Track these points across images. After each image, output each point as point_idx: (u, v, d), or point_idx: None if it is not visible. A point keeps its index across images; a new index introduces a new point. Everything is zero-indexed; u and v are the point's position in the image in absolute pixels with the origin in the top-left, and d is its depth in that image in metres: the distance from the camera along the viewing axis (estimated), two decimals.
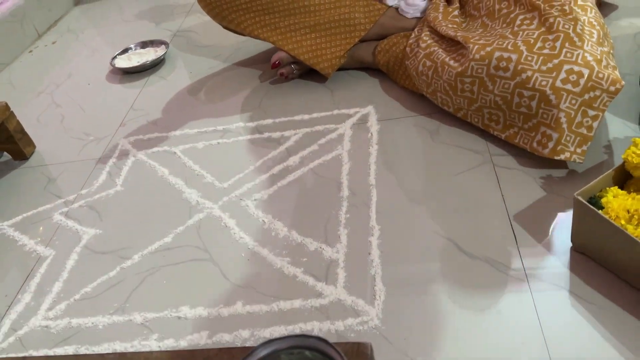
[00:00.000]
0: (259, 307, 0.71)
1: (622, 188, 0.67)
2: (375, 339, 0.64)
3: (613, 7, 1.13)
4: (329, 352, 0.44)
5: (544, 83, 0.76)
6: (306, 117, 1.05)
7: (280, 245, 0.80)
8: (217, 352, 0.58)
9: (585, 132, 0.76)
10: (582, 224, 0.65)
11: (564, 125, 0.76)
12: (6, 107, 1.08)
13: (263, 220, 0.84)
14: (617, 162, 0.68)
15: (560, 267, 0.67)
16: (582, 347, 0.58)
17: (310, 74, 1.17)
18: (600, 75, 0.74)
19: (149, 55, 1.39)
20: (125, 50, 1.43)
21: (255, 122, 1.08)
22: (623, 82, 0.74)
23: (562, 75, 0.75)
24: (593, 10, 0.81)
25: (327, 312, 0.69)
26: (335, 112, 1.04)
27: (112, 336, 0.73)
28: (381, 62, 1.08)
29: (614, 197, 0.63)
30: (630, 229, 0.60)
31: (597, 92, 0.74)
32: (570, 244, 0.69)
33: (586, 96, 0.75)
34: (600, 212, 0.62)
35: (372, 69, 1.12)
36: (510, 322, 0.62)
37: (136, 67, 1.35)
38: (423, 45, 0.95)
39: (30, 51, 1.66)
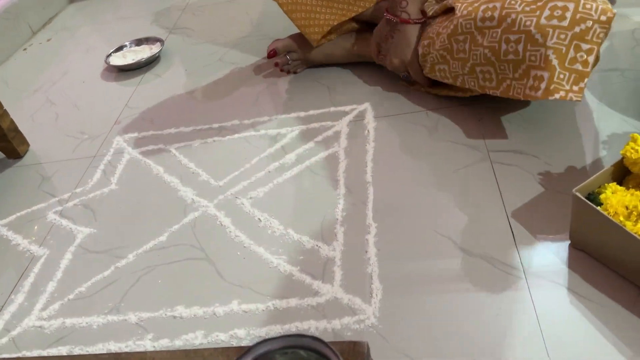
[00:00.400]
0: (255, 306, 0.71)
1: (620, 184, 0.67)
2: (372, 338, 0.63)
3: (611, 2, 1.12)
4: (324, 351, 0.43)
5: (528, 23, 0.74)
6: (302, 114, 1.04)
7: (277, 244, 0.79)
8: (212, 351, 0.58)
9: (580, 67, 0.73)
10: (580, 221, 0.65)
11: (554, 62, 0.73)
12: None
13: (259, 219, 0.84)
14: (616, 158, 0.67)
15: (558, 264, 0.66)
16: (581, 344, 0.58)
17: (305, 71, 1.16)
18: (588, 6, 0.72)
19: (144, 52, 1.38)
20: (120, 48, 1.42)
21: (251, 119, 1.07)
22: (615, 11, 0.72)
23: (546, 12, 0.73)
24: None
25: (323, 310, 0.68)
26: (332, 109, 1.04)
27: (106, 336, 0.72)
28: (375, 53, 1.05)
29: (612, 193, 0.63)
30: (629, 225, 0.59)
31: (589, 24, 0.72)
32: (568, 241, 0.68)
33: (577, 29, 0.72)
34: (598, 208, 0.61)
35: (368, 64, 1.11)
36: (508, 320, 0.62)
37: (131, 64, 1.34)
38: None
39: (25, 49, 1.65)
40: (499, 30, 0.78)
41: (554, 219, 0.72)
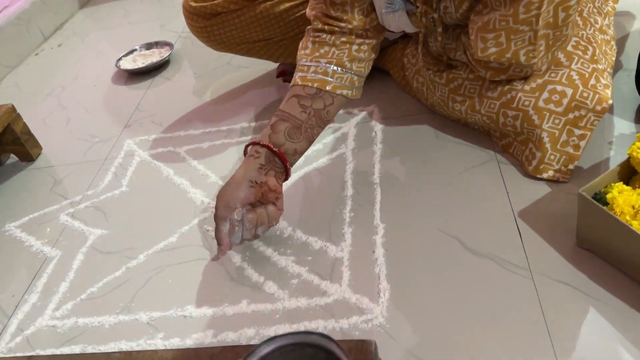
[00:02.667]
0: (263, 305, 0.72)
1: (627, 184, 0.67)
2: (380, 337, 0.64)
3: None
4: (332, 349, 0.44)
5: (527, 103, 0.76)
6: None
7: (285, 245, 0.80)
8: (222, 350, 0.59)
9: (571, 151, 0.75)
10: (586, 220, 0.65)
11: (547, 145, 0.76)
12: (12, 109, 1.09)
13: None
14: (623, 158, 0.67)
15: (564, 263, 0.67)
16: (587, 343, 0.58)
17: None
18: (585, 94, 0.73)
19: (154, 56, 1.40)
20: (130, 52, 1.44)
21: (259, 121, 1.08)
22: (610, 101, 0.73)
23: (545, 95, 0.75)
24: (598, 24, 0.80)
25: (331, 310, 0.69)
26: (340, 111, 1.04)
27: (118, 335, 0.73)
28: (386, 66, 1.07)
29: (619, 193, 0.63)
30: (636, 225, 0.59)
31: (582, 112, 0.73)
32: (574, 241, 0.68)
33: (570, 115, 0.74)
34: (605, 208, 0.61)
35: (374, 68, 1.12)
36: (515, 319, 0.62)
37: (141, 68, 1.36)
38: (413, 60, 0.96)
39: (37, 54, 1.67)
40: (497, 102, 0.80)
41: (560, 219, 0.72)
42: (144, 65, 1.36)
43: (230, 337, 0.69)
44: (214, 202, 0.90)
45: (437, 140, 0.91)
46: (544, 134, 0.75)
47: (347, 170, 0.90)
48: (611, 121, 0.85)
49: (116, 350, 0.71)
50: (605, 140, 0.82)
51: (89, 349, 0.72)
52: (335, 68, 0.79)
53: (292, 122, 0.77)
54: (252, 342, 0.67)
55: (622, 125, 0.84)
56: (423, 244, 0.74)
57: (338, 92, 0.80)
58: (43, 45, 1.73)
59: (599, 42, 0.80)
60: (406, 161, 0.89)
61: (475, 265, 0.69)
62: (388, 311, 0.67)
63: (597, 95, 0.73)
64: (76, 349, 0.73)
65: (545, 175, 0.77)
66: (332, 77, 0.79)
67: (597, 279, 0.64)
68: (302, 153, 0.79)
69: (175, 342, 0.70)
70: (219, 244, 0.73)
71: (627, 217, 0.60)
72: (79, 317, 0.77)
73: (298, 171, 0.93)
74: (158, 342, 0.71)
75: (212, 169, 0.99)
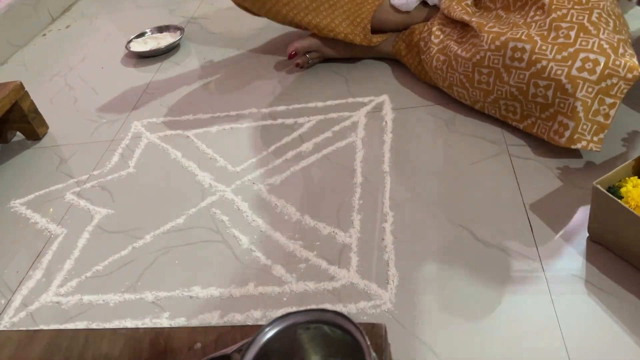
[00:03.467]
0: (271, 288, 0.71)
1: None
2: (388, 323, 0.63)
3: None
4: (347, 327, 0.43)
5: (559, 72, 0.76)
6: (320, 104, 1.05)
7: (293, 229, 0.79)
8: (230, 329, 0.58)
9: (602, 120, 0.76)
10: (600, 214, 0.65)
11: (581, 114, 0.75)
12: (21, 86, 1.08)
13: (275, 204, 0.84)
14: (636, 155, 0.67)
15: (576, 256, 0.66)
16: (598, 337, 0.58)
17: (323, 62, 1.16)
18: (617, 62, 0.74)
19: (165, 40, 1.39)
20: (141, 34, 1.43)
21: (268, 108, 1.07)
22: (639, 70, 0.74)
23: (578, 63, 0.74)
24: (609, 1, 0.81)
25: (339, 295, 0.68)
26: (350, 100, 1.04)
27: (123, 313, 0.73)
28: (399, 54, 1.07)
29: (633, 187, 0.63)
30: None
31: (614, 80, 0.74)
32: (587, 234, 0.68)
33: (603, 84, 0.74)
34: (620, 201, 0.61)
35: (389, 58, 1.12)
36: (525, 311, 0.62)
37: (151, 51, 1.35)
38: (435, 40, 0.95)
39: (44, 35, 1.66)
40: (527, 73, 0.79)
41: (572, 213, 0.72)
42: (154, 48, 1.35)
43: (237, 318, 0.68)
44: (222, 186, 0.90)
45: (448, 132, 0.91)
46: (578, 103, 0.75)
47: (357, 158, 0.90)
48: (624, 118, 0.85)
49: (121, 327, 0.71)
50: (619, 136, 0.82)
51: (93, 326, 0.72)
52: None
53: None
54: (259, 323, 0.66)
55: (635, 123, 0.84)
56: (433, 234, 0.74)
57: None
58: (50, 26, 1.72)
59: (617, 14, 0.80)
60: (417, 151, 0.88)
61: (485, 256, 0.69)
62: (397, 297, 0.66)
63: (627, 64, 0.73)
64: (80, 326, 0.72)
65: (579, 145, 0.76)
66: None
67: (609, 273, 0.63)
68: None
69: (181, 322, 0.70)
70: None
71: None
72: (84, 294, 0.77)
73: (307, 158, 0.92)
74: (164, 322, 0.70)
75: (221, 153, 0.98)
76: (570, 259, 0.66)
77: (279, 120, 1.03)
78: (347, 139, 0.94)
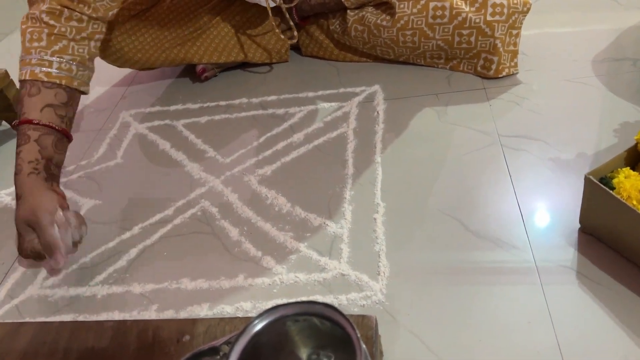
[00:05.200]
0: (260, 280, 0.70)
1: (633, 170, 0.66)
2: (379, 314, 0.63)
3: None
4: (337, 319, 0.42)
5: (477, 20, 0.92)
6: (311, 94, 1.04)
7: (283, 220, 0.78)
8: (219, 321, 0.58)
9: (513, 48, 0.95)
10: (592, 205, 0.64)
11: (501, 49, 0.94)
12: (5, 74, 1.06)
13: (266, 195, 0.83)
14: (627, 146, 0.67)
15: (567, 247, 0.66)
16: (589, 328, 0.58)
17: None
18: (514, 2, 0.92)
19: None
20: None
21: (259, 98, 1.06)
22: (531, 2, 0.93)
23: (490, 9, 0.92)
24: None
25: (330, 286, 0.68)
26: (341, 90, 1.03)
27: (110, 306, 0.72)
28: (304, 45, 1.14)
29: (625, 177, 0.62)
30: None
31: (516, 15, 0.93)
32: (578, 225, 0.68)
33: (510, 21, 0.92)
34: (612, 192, 0.61)
35: None
36: (516, 302, 0.62)
37: None
38: (351, 13, 1.03)
39: None
40: (450, 26, 0.94)
41: (563, 204, 0.71)
42: None
43: (226, 310, 0.67)
44: (211, 177, 0.89)
45: (440, 123, 0.90)
46: (497, 41, 0.93)
47: (348, 149, 0.89)
48: (615, 110, 0.85)
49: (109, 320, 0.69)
50: (609, 128, 0.81)
51: (80, 319, 0.71)
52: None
53: (55, 135, 0.77)
54: (249, 315, 0.65)
55: (626, 114, 0.83)
56: (424, 225, 0.73)
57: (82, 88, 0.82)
58: None
59: None
60: (408, 142, 0.88)
61: (476, 247, 0.69)
62: (388, 289, 0.66)
63: (522, 0, 0.92)
64: (67, 318, 0.71)
65: (504, 73, 0.95)
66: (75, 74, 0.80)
67: (601, 264, 0.63)
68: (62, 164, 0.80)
69: (169, 314, 0.69)
70: (54, 250, 0.69)
71: (634, 202, 0.60)
72: (70, 286, 0.75)
73: (298, 149, 0.91)
74: (152, 314, 0.69)
75: (210, 143, 0.97)
76: (562, 250, 0.66)
77: (270, 111, 1.02)
78: (339, 130, 0.93)
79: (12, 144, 1.08)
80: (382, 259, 0.70)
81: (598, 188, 0.62)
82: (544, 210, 0.71)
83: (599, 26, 1.05)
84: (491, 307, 0.62)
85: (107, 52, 1.01)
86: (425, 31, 0.95)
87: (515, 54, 0.95)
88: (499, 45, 0.93)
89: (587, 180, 0.63)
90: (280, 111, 1.01)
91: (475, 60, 0.96)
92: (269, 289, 0.69)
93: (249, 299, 0.68)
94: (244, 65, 1.17)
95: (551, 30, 1.07)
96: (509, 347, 0.58)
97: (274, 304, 0.66)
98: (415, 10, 0.95)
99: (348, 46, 1.08)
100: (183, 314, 0.68)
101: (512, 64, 0.96)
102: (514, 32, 0.94)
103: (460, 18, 0.92)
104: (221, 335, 0.55)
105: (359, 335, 0.40)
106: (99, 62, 1.31)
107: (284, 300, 0.67)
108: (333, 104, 1.00)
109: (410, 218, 0.75)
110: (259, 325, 0.44)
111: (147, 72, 1.23)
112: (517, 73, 0.95)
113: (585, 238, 0.67)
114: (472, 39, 0.94)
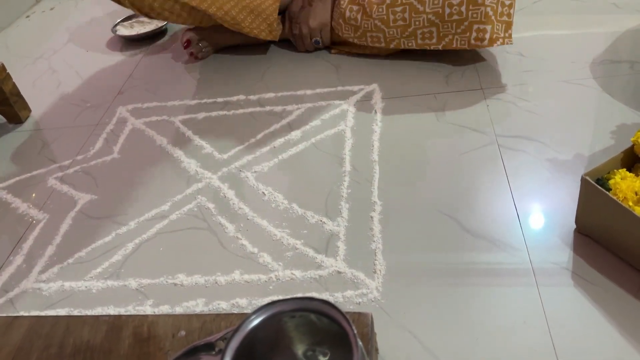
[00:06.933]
0: (257, 276, 0.70)
1: (629, 171, 0.67)
2: (375, 312, 0.63)
3: None
4: (334, 315, 0.42)
5: None
6: (309, 92, 1.04)
7: (280, 217, 0.78)
8: (215, 317, 0.57)
9: (507, 19, 0.93)
10: (588, 205, 0.65)
11: (493, 17, 0.92)
12: (2, 68, 1.05)
13: (263, 192, 0.83)
14: (624, 148, 0.67)
15: (563, 248, 0.66)
16: (584, 328, 0.58)
17: (315, 50, 1.15)
18: None
19: (152, 24, 1.37)
20: (127, 18, 1.40)
21: (257, 95, 1.06)
22: None
23: None
24: None
25: (326, 283, 0.68)
26: (339, 88, 1.03)
27: (106, 300, 0.71)
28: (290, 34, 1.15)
29: (621, 179, 0.63)
30: (638, 211, 0.59)
31: None
32: (574, 226, 0.68)
33: None
34: (608, 193, 0.61)
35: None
36: (512, 302, 0.62)
37: (137, 35, 1.32)
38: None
39: (28, 16, 1.63)
40: None
41: (560, 205, 0.71)
42: (141, 32, 1.33)
43: (222, 306, 0.67)
44: (208, 173, 0.89)
45: (437, 122, 0.90)
46: (488, 9, 0.91)
47: (346, 147, 0.89)
48: (613, 112, 0.85)
49: (104, 314, 0.69)
50: (606, 130, 0.82)
51: (75, 313, 0.70)
52: None
53: None
54: (244, 312, 0.65)
55: (623, 117, 0.84)
56: (421, 223, 0.73)
57: None
58: (34, 7, 1.68)
59: None
60: (406, 141, 0.88)
61: (472, 246, 0.69)
62: (384, 287, 0.66)
63: None
64: (62, 312, 0.71)
65: (499, 42, 0.94)
66: None
67: (596, 265, 0.63)
68: None
69: (165, 309, 0.69)
70: None
71: (630, 203, 0.60)
72: (66, 280, 0.75)
73: (295, 146, 0.91)
74: (147, 309, 0.69)
75: (207, 140, 0.97)
76: (558, 250, 0.66)
77: (267, 108, 1.02)
78: (336, 128, 0.93)
79: (7, 138, 1.08)
80: (378, 257, 0.70)
81: (594, 189, 0.62)
82: (540, 211, 0.72)
83: (597, 29, 1.05)
84: (487, 306, 0.62)
85: None
86: (415, 5, 0.95)
87: (509, 25, 0.94)
88: (491, 13, 0.91)
89: (584, 181, 0.63)
90: (278, 108, 1.01)
91: (468, 33, 0.95)
92: (265, 285, 0.69)
93: (245, 295, 0.68)
94: (239, 52, 1.16)
95: (549, 32, 1.07)
96: (504, 346, 0.58)
97: (270, 301, 0.66)
98: None
99: (339, 41, 1.09)
100: (179, 310, 0.68)
101: (507, 34, 0.94)
102: (507, 2, 0.93)
103: None
104: (217, 331, 0.55)
105: (355, 331, 0.40)
106: (94, 56, 1.31)
107: (280, 297, 0.67)
108: (331, 102, 1.00)
109: (407, 217, 0.75)
110: (255, 321, 0.44)
111: (144, 66, 1.22)
112: (511, 44, 0.94)
113: (581, 239, 0.67)
114: (463, 8, 0.92)
